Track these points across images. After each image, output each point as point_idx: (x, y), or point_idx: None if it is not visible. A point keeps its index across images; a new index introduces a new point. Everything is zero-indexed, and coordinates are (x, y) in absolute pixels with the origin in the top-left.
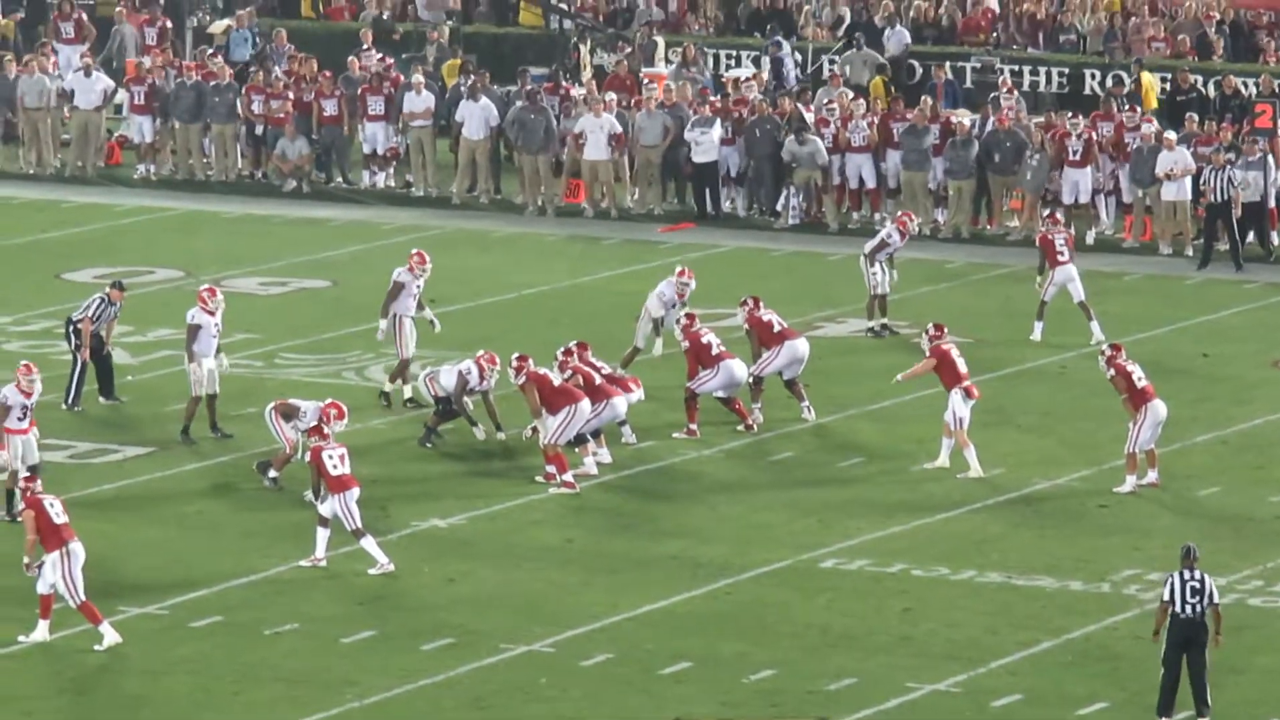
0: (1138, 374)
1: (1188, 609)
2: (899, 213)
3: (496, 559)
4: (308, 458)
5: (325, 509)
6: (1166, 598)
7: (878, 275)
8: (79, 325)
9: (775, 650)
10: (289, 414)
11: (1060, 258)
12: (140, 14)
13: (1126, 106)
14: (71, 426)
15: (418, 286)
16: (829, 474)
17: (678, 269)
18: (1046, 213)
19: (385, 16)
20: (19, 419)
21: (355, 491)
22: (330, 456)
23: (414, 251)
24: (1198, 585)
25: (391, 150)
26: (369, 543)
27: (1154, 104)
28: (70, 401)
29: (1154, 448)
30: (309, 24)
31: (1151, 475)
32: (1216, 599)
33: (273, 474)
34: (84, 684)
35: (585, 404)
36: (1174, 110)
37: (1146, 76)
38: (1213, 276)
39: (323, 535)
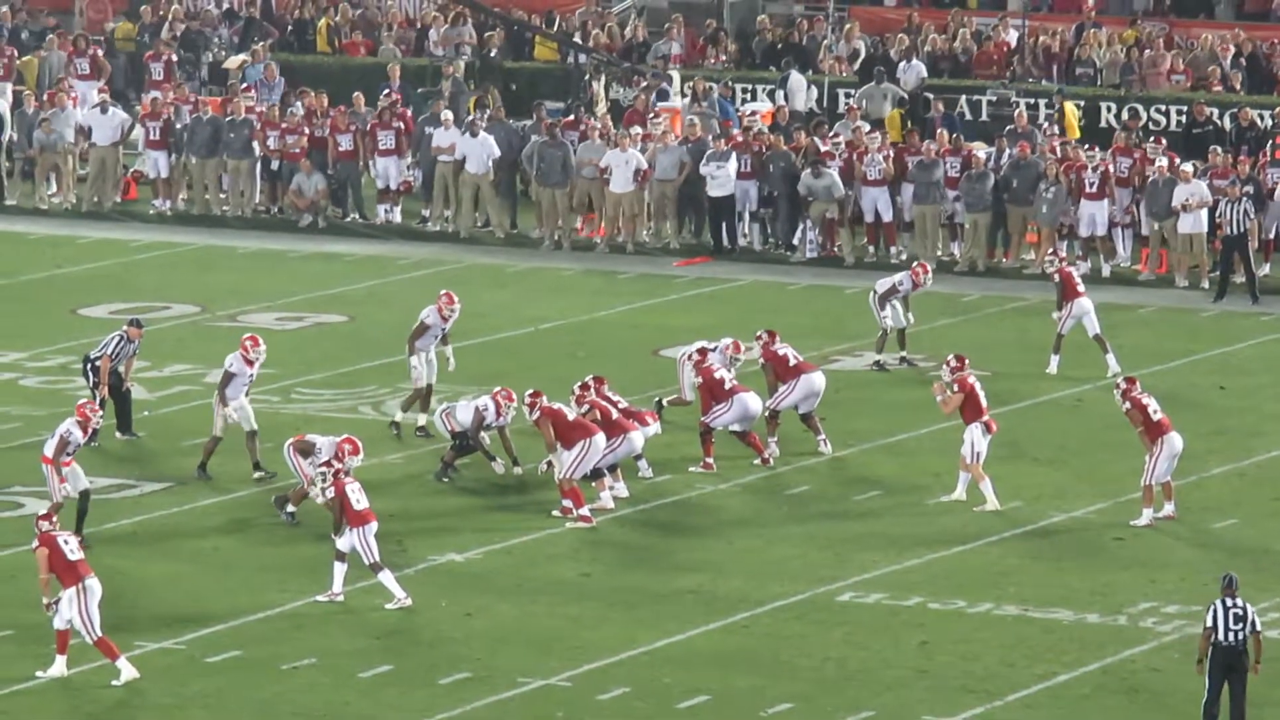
0: (1153, 407)
1: (1230, 636)
2: (915, 263)
3: (513, 593)
4: (330, 492)
5: (343, 543)
6: (1209, 624)
7: (888, 318)
8: (97, 363)
9: (792, 684)
10: (306, 450)
11: (1079, 290)
12: (69, 42)
13: (1151, 140)
14: (88, 462)
15: (443, 329)
16: (845, 507)
17: (728, 341)
18: (1063, 247)
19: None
20: (68, 454)
21: (374, 525)
22: (352, 490)
23: (443, 293)
24: (1240, 613)
25: (404, 184)
26: (386, 577)
27: (1077, 133)
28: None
29: (1170, 480)
30: (325, 58)
31: (1168, 508)
32: (1259, 626)
33: (290, 509)
34: (100, 719)
35: (600, 438)
36: (1190, 143)
37: (1069, 106)
38: (1229, 309)
39: (340, 570)
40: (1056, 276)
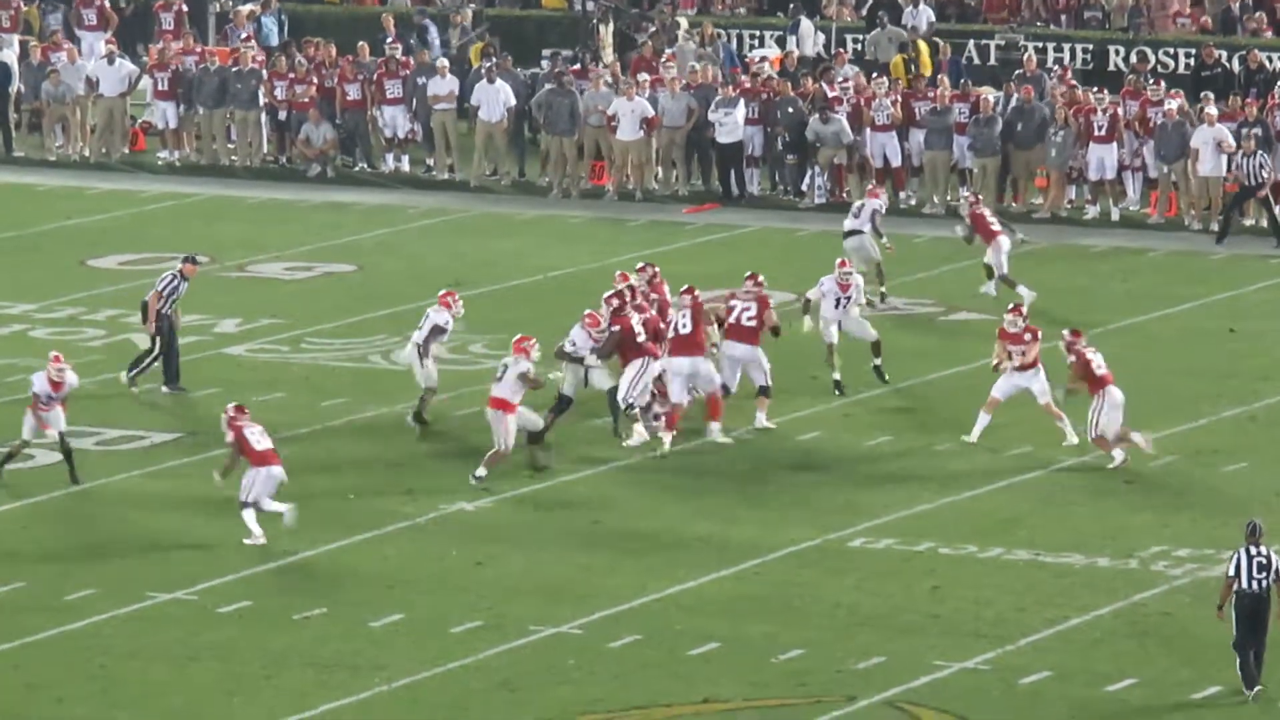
0: (1097, 362)
1: (1254, 584)
2: (869, 187)
3: (524, 542)
4: (229, 435)
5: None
6: (1232, 573)
7: (863, 252)
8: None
9: (803, 630)
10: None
11: (994, 229)
12: None
13: (1152, 82)
14: (99, 412)
15: (451, 327)
16: (856, 453)
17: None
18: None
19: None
20: (44, 406)
21: (278, 468)
22: (252, 433)
23: (442, 294)
24: (1264, 560)
25: (410, 133)
26: (248, 515)
27: (929, 70)
28: (129, 378)
29: (1127, 427)
30: (334, 8)
31: (1119, 456)
32: None
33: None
34: (113, 671)
35: (656, 365)
36: (1199, 86)
37: (923, 45)
38: (1238, 252)
39: (249, 515)
40: (968, 218)
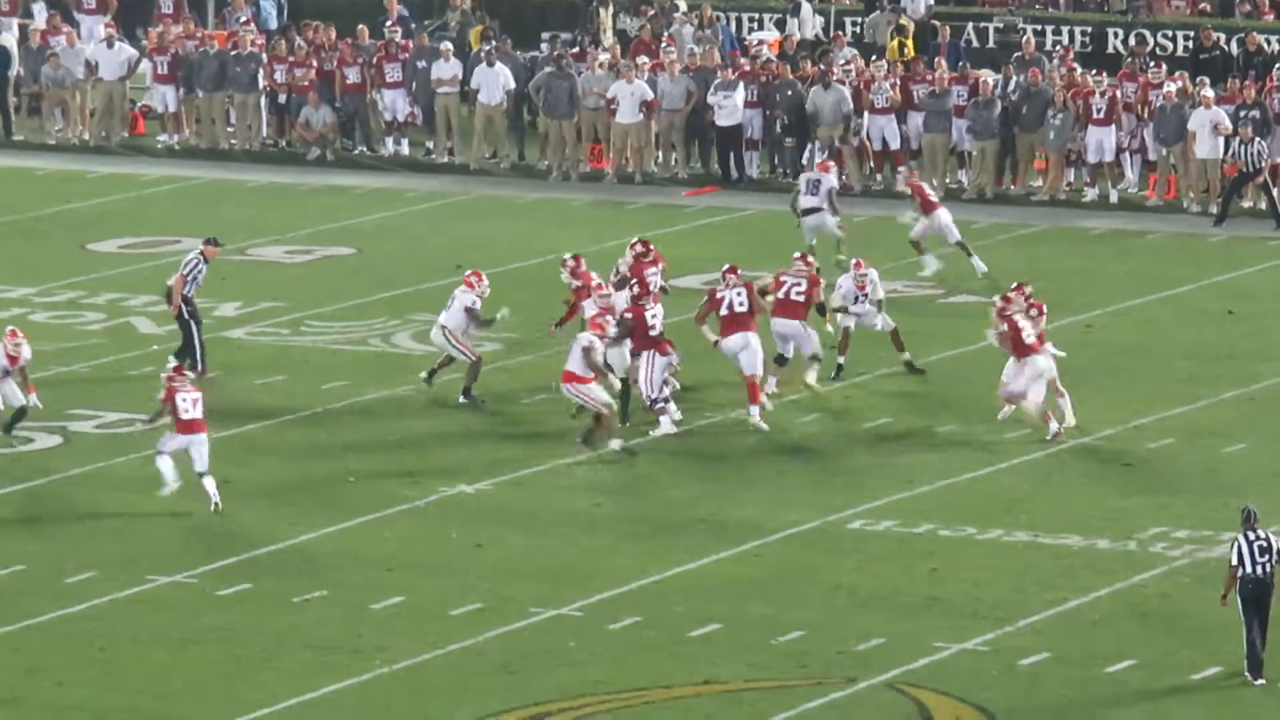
0: (1028, 329)
1: (1258, 568)
2: (819, 160)
3: (524, 524)
4: (163, 393)
5: (168, 445)
6: (1235, 561)
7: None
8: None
9: (803, 612)
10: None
11: (934, 201)
12: None
13: (1153, 65)
14: (97, 396)
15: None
16: (855, 435)
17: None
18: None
19: None
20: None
21: (202, 436)
22: (183, 399)
23: (468, 273)
24: (1265, 544)
25: (410, 116)
26: (209, 483)
27: (896, 54)
28: (200, 369)
29: (1066, 400)
30: None
31: (1053, 426)
32: None
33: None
34: (114, 654)
35: (662, 360)
36: (1198, 69)
37: (906, 25)
38: (1237, 234)
39: (164, 462)
40: (909, 190)
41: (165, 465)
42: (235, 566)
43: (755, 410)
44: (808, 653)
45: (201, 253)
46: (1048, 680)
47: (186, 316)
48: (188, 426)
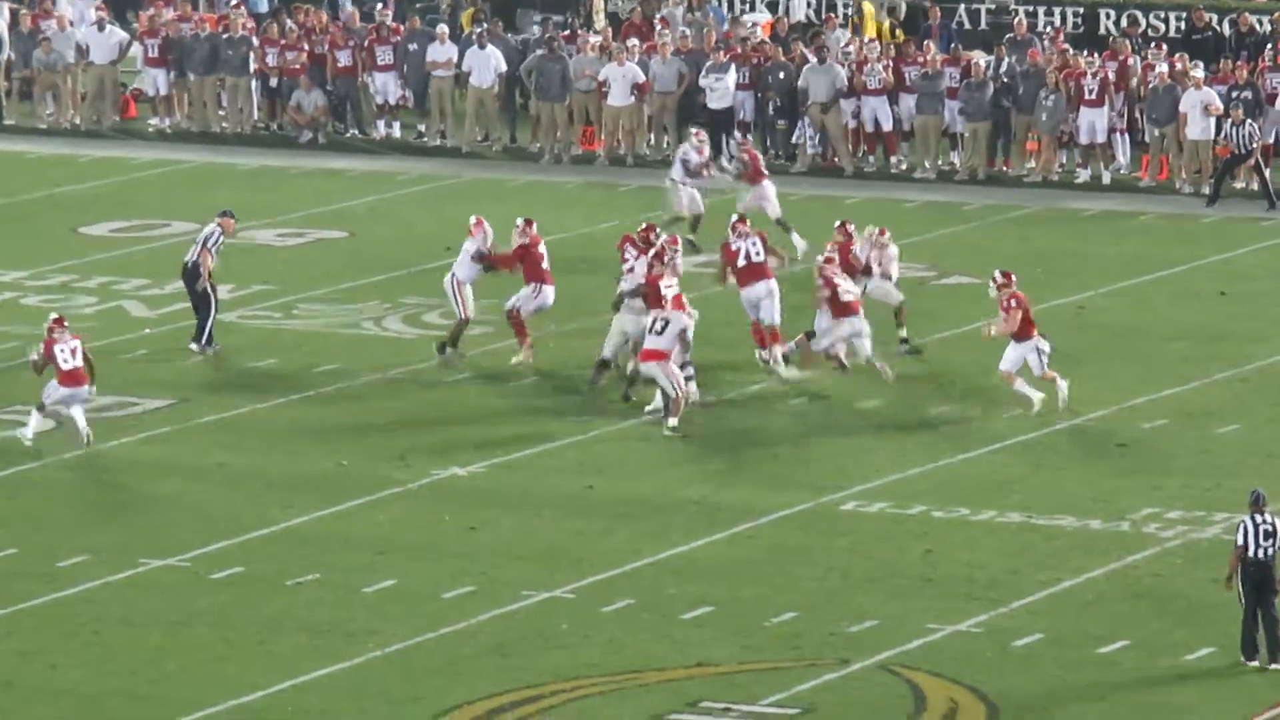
0: (846, 287)
1: (1261, 552)
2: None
3: (517, 507)
4: (41, 348)
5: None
6: (1240, 543)
7: (683, 197)
8: (198, 264)
9: (796, 594)
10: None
11: (764, 173)
12: None
13: (1151, 46)
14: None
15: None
16: (848, 417)
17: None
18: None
19: None
20: None
21: (84, 389)
22: (62, 350)
23: (474, 220)
24: (1270, 529)
25: (402, 99)
26: (35, 418)
27: (872, 33)
28: (204, 343)
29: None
30: None
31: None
32: None
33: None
34: (106, 637)
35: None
36: (1190, 50)
37: (867, 6)
38: (1229, 215)
39: (35, 418)
40: (745, 156)
41: (35, 419)
42: (228, 550)
43: (778, 350)
44: (801, 634)
45: (219, 224)
46: (1041, 661)
47: (210, 289)
48: (70, 377)
